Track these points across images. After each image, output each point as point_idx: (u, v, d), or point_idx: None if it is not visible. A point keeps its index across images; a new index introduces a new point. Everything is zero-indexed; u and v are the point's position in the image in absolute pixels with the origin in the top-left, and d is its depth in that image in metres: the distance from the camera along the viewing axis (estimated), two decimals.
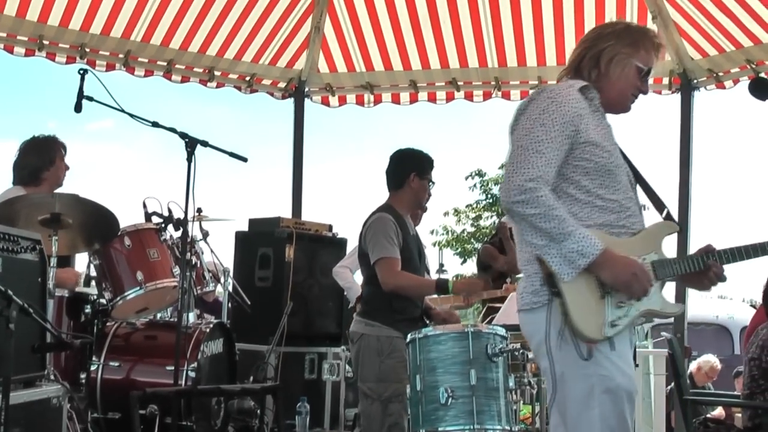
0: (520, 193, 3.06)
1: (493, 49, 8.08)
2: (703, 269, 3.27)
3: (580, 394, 3.08)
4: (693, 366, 10.34)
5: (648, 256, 3.19)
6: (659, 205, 3.47)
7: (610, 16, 7.71)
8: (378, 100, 8.63)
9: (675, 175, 7.87)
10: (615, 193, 3.17)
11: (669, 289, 7.50)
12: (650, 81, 7.86)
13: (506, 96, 8.29)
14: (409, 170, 5.35)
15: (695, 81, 7.91)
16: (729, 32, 7.40)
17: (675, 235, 3.40)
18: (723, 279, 3.32)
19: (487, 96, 8.35)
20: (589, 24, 7.76)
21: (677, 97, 7.99)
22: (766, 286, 6.48)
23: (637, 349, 5.91)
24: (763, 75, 3.71)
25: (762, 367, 5.71)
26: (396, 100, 8.59)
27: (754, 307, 12.97)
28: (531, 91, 3.50)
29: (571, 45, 7.93)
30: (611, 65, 3.28)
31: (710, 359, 10.62)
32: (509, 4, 7.79)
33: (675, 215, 7.69)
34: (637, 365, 5.92)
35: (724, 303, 16.56)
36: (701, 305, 14.19)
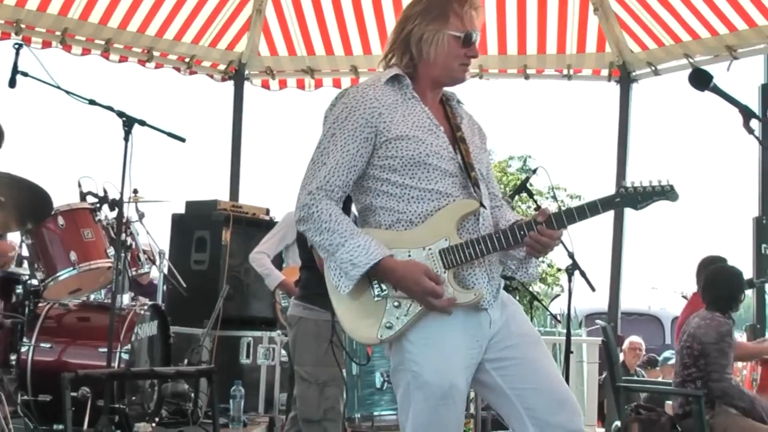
0: (299, 210, 3.03)
1: None
2: (518, 243, 3.07)
3: (401, 389, 3.04)
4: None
5: (436, 245, 3.00)
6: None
7: (552, 6, 7.76)
8: (319, 85, 8.60)
9: (613, 162, 7.98)
10: (431, 182, 3.03)
11: (603, 281, 7.64)
12: (588, 71, 8.11)
13: None
14: None
15: (634, 73, 8.01)
16: (669, 26, 7.50)
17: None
18: (551, 244, 3.10)
19: None
20: (531, 14, 7.82)
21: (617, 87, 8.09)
22: (700, 276, 6.61)
23: (571, 337, 5.98)
24: (702, 68, 3.75)
25: (693, 355, 5.82)
26: (337, 85, 8.56)
27: (685, 298, 13.20)
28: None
29: (512, 36, 7.98)
30: (422, 46, 3.10)
31: (630, 338, 10.72)
32: None
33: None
34: (571, 352, 5.98)
35: (656, 294, 16.85)
36: (634, 296, 14.42)
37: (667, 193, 3.13)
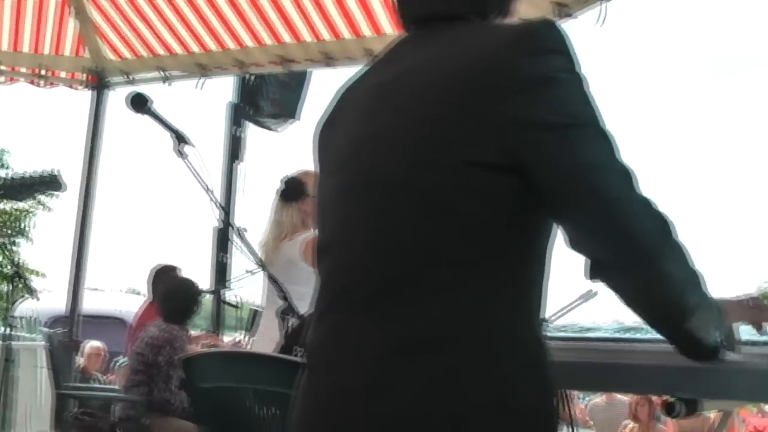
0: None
1: None
2: None
3: None
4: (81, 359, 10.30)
5: None
6: None
7: (30, 3, 7.58)
8: None
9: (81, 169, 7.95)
10: None
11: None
12: (63, 74, 8.04)
13: None
14: None
15: (110, 80, 8.07)
16: (146, 40, 7.67)
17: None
18: None
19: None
20: (6, 8, 7.59)
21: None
22: (155, 286, 6.84)
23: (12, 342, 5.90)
24: (140, 91, 3.92)
25: (144, 363, 6.02)
26: None
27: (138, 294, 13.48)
28: None
29: None
30: None
31: (90, 342, 10.69)
32: None
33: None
34: (12, 361, 5.90)
35: (129, 297, 16.90)
36: (105, 299, 14.43)
37: (49, 182, 3.12)
